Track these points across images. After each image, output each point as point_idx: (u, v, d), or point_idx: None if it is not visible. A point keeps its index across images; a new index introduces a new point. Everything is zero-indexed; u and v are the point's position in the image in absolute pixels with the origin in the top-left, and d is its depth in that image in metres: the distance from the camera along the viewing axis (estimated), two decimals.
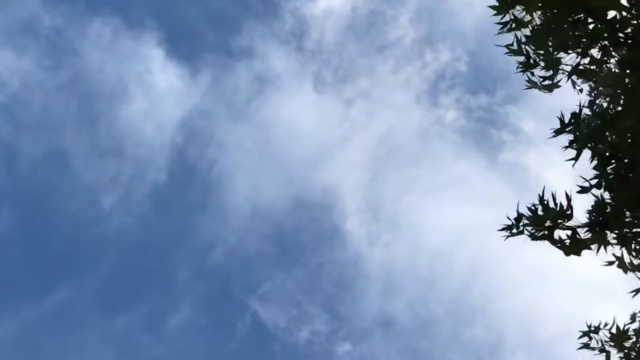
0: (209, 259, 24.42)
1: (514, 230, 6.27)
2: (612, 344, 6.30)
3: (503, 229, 6.28)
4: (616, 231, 6.07)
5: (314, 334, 23.05)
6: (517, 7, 6.45)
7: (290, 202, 24.59)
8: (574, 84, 6.32)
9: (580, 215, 6.16)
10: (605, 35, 6.34)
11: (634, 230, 6.04)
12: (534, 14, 6.40)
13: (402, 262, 24.48)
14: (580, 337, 6.42)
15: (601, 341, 6.35)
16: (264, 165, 25.27)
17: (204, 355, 24.01)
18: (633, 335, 6.27)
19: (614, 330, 6.32)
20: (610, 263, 6.12)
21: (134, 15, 25.82)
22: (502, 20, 6.47)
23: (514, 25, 6.43)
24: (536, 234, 6.23)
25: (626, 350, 6.26)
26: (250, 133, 25.18)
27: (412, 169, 25.50)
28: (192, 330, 23.95)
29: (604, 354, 6.35)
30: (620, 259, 6.09)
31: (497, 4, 6.44)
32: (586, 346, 6.39)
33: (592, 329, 6.37)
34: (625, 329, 6.30)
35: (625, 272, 6.09)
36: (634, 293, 6.09)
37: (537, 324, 22.93)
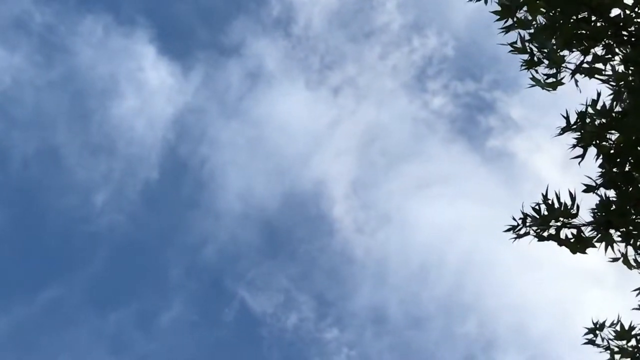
0: (201, 255, 24.49)
1: (521, 232, 6.24)
2: (617, 342, 6.23)
3: (509, 230, 6.25)
4: (621, 229, 6.03)
5: (302, 320, 23.04)
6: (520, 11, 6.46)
7: (282, 198, 24.65)
8: (576, 82, 6.28)
9: (583, 213, 6.13)
10: (609, 33, 6.32)
11: (638, 228, 5.99)
12: (537, 14, 6.39)
13: (391, 250, 24.54)
14: (586, 334, 6.36)
15: (607, 339, 6.29)
16: (255, 161, 25.36)
17: (196, 351, 24.04)
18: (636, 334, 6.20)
19: (618, 328, 6.25)
20: (615, 260, 6.08)
21: (125, 13, 25.92)
22: (505, 25, 6.46)
23: (516, 25, 6.41)
24: (542, 234, 6.20)
25: (630, 350, 6.19)
26: (242, 130, 25.27)
27: (400, 157, 25.50)
28: (184, 327, 24.06)
29: (609, 351, 6.27)
30: (624, 256, 6.04)
31: (499, 8, 6.45)
32: (591, 342, 6.32)
33: (598, 325, 6.31)
34: (631, 326, 6.23)
35: (630, 269, 6.05)
36: (637, 291, 6.04)
37: (530, 319, 22.83)
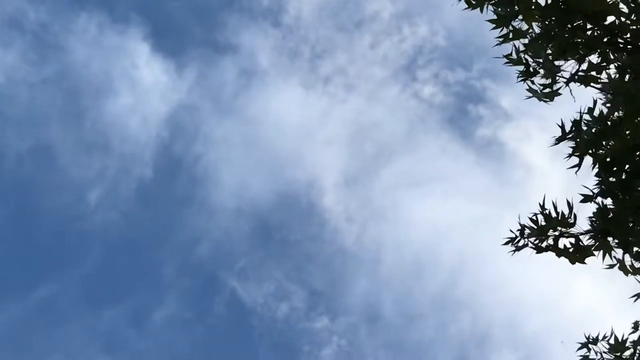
0: (194, 252, 24.56)
1: (519, 244, 6.26)
2: (610, 355, 6.23)
3: (507, 243, 6.27)
4: (619, 237, 6.03)
5: (293, 309, 23.10)
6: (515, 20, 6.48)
7: (276, 195, 24.69)
8: (571, 91, 6.29)
9: (580, 221, 6.15)
10: (605, 41, 6.32)
11: (636, 236, 5.99)
12: (532, 23, 6.40)
13: (384, 246, 24.47)
14: (579, 349, 6.36)
15: (600, 353, 6.29)
16: (249, 158, 25.40)
17: (189, 348, 24.13)
18: (631, 345, 6.20)
19: (612, 341, 6.25)
20: (612, 266, 6.09)
21: (119, 10, 26.05)
22: (501, 34, 6.48)
23: (511, 35, 6.43)
24: (540, 244, 6.22)
25: None
26: (236, 127, 25.32)
27: (391, 149, 25.46)
28: (178, 324, 24.12)
29: None
30: (621, 262, 6.05)
31: (495, 17, 6.47)
32: (585, 358, 6.32)
33: (591, 340, 6.31)
34: (624, 339, 6.23)
35: (627, 275, 6.05)
36: (635, 298, 6.04)
37: (523, 315, 22.74)
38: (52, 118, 25.24)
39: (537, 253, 6.17)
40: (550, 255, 6.11)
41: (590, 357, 6.30)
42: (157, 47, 26.26)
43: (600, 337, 6.28)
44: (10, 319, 24.00)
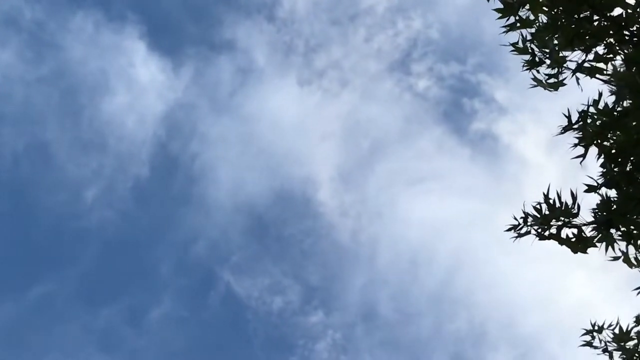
0: (191, 251, 24.51)
1: (522, 231, 6.27)
2: (615, 344, 6.26)
3: (510, 229, 6.28)
4: (622, 229, 6.05)
5: (288, 303, 23.14)
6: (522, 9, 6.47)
7: (273, 193, 24.67)
8: (577, 80, 6.29)
9: (584, 213, 6.16)
10: (611, 32, 6.32)
11: (639, 227, 6.01)
12: (539, 14, 6.40)
13: (381, 245, 24.50)
14: (583, 334, 6.39)
15: (604, 341, 6.31)
16: (246, 157, 25.36)
17: (186, 346, 24.11)
18: (635, 337, 6.22)
19: (617, 331, 6.27)
20: (616, 258, 6.10)
21: (115, 9, 26.04)
22: (507, 23, 6.47)
23: (518, 25, 6.43)
24: (543, 233, 6.23)
25: (629, 349, 6.22)
26: (233, 125, 25.26)
27: (386, 145, 25.50)
28: (174, 323, 24.15)
29: (607, 354, 6.30)
30: (625, 254, 6.07)
31: (501, 6, 6.46)
32: (589, 344, 6.35)
33: (596, 327, 6.33)
34: (629, 329, 6.26)
35: (631, 267, 6.07)
36: (638, 291, 6.06)
37: (519, 313, 22.87)
38: (48, 116, 25.13)
39: (539, 240, 6.19)
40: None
41: (594, 344, 6.31)
42: (153, 45, 26.21)
43: (605, 326, 6.29)
44: (8, 317, 23.95)
